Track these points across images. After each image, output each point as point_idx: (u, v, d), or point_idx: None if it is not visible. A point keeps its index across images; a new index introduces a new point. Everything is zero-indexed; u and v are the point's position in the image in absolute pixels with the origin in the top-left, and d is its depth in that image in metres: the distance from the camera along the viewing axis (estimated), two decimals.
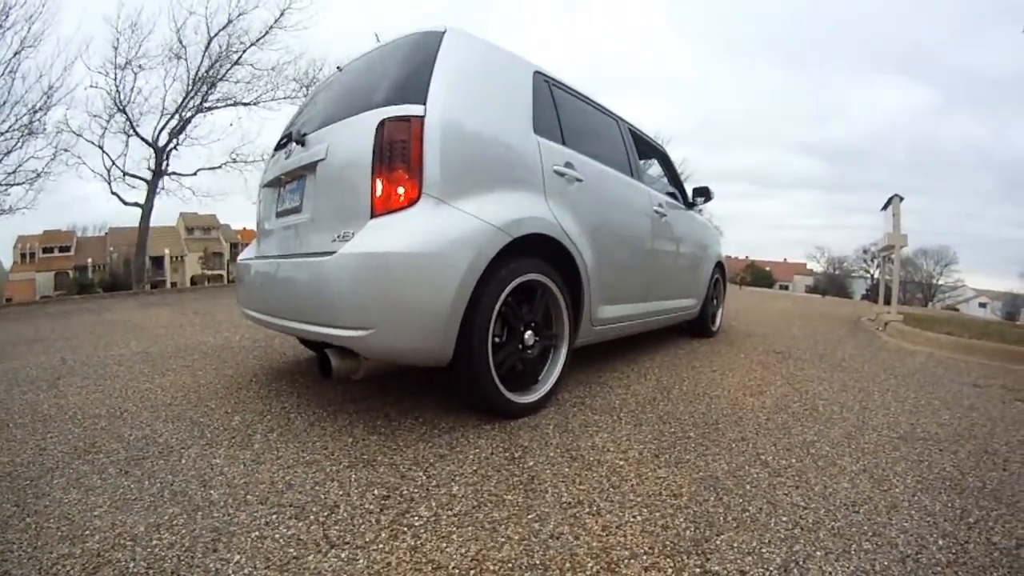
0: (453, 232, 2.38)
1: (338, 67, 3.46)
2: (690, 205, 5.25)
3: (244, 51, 18.64)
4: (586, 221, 3.18)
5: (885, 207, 8.19)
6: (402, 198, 2.34)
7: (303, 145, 2.89)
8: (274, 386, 3.27)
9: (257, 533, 1.62)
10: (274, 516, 1.72)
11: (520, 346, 2.75)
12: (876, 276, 39.82)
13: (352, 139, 2.54)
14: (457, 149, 2.53)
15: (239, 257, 3.60)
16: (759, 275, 58.85)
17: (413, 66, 2.66)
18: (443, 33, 2.72)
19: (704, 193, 5.30)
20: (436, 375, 2.57)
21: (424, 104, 2.44)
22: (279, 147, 3.27)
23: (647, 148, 4.82)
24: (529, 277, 2.71)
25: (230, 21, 17.94)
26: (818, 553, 1.60)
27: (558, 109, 3.32)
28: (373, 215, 2.35)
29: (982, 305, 54.95)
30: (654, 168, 5.40)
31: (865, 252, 53.37)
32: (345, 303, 2.27)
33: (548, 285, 2.86)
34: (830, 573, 1.51)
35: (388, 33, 3.12)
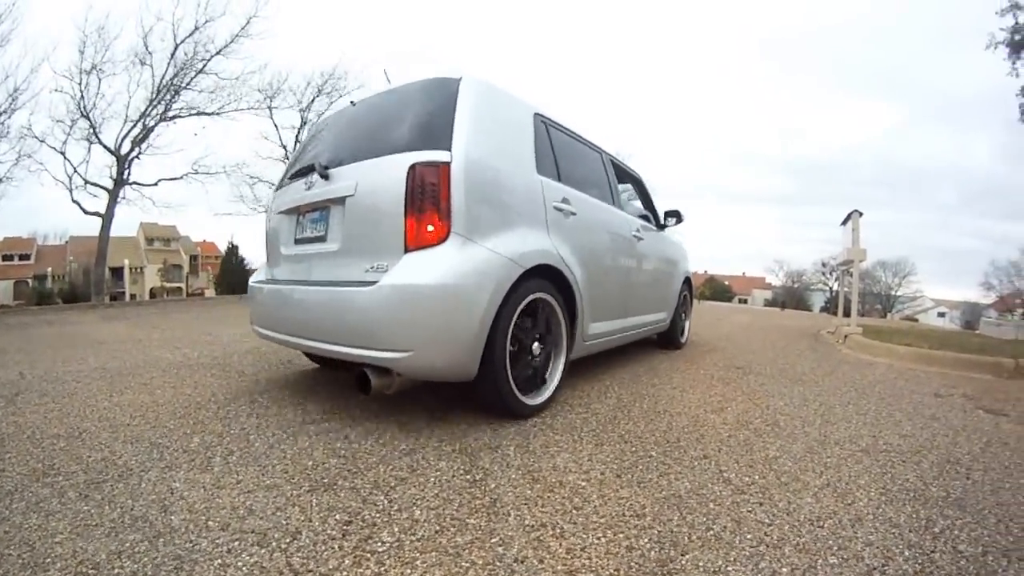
0: (479, 266, 2.71)
1: (352, 101, 3.66)
2: (662, 227, 5.62)
3: (209, 59, 18.55)
4: (579, 249, 3.55)
5: (845, 222, 8.35)
6: (432, 235, 2.64)
7: (327, 179, 3.08)
8: (232, 407, 3.22)
9: (220, 561, 1.59)
10: (236, 543, 1.68)
11: (529, 357, 3.14)
12: (835, 289, 40.49)
13: (383, 179, 2.79)
14: (478, 191, 2.81)
15: (252, 279, 3.83)
16: (718, 289, 59.94)
17: (435, 112, 2.94)
18: (459, 80, 3.02)
19: (675, 215, 5.67)
20: (395, 397, 2.57)
21: (450, 150, 2.73)
22: (295, 175, 3.45)
23: (624, 175, 5.17)
24: (535, 296, 3.09)
25: (197, 28, 17.84)
26: (784, 570, 1.61)
27: (554, 148, 3.67)
28: (407, 250, 2.65)
29: (941, 315, 56.38)
30: (629, 190, 5.70)
31: (824, 265, 54.21)
32: (387, 328, 2.56)
33: (550, 302, 3.25)
34: None
35: (391, 64, 3.15)
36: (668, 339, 6.00)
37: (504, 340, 2.83)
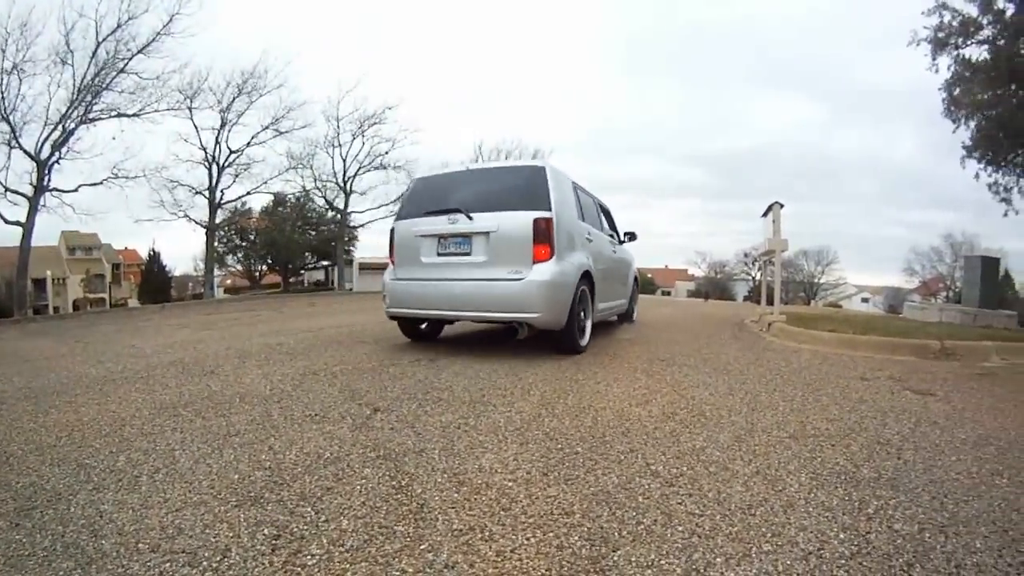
0: (567, 271, 5.12)
1: (468, 168, 6.07)
2: (621, 242, 8.27)
3: (131, 58, 18.15)
4: (594, 260, 5.93)
5: (765, 214, 8.60)
6: (545, 255, 4.92)
7: (471, 219, 5.22)
8: (157, 421, 3.14)
9: None
10: (167, 564, 1.64)
11: (580, 320, 5.47)
12: (758, 278, 41.33)
13: (516, 224, 5.02)
14: (563, 232, 5.13)
15: (387, 278, 5.90)
16: (641, 282, 60.79)
17: (536, 185, 5.20)
18: (544, 167, 5.41)
19: (631, 235, 8.60)
20: (317, 405, 2.62)
21: (550, 210, 5.02)
22: (431, 213, 5.53)
23: (601, 208, 7.57)
24: (582, 287, 5.41)
25: (119, 25, 17.40)
26: (718, 560, 1.64)
27: (580, 201, 6.09)
28: (534, 263, 4.90)
29: (865, 300, 58.09)
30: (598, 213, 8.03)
31: (746, 256, 54.86)
32: (528, 302, 4.84)
33: (586, 291, 5.60)
34: None
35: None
36: (625, 316, 8.87)
37: (576, 309, 5.22)
